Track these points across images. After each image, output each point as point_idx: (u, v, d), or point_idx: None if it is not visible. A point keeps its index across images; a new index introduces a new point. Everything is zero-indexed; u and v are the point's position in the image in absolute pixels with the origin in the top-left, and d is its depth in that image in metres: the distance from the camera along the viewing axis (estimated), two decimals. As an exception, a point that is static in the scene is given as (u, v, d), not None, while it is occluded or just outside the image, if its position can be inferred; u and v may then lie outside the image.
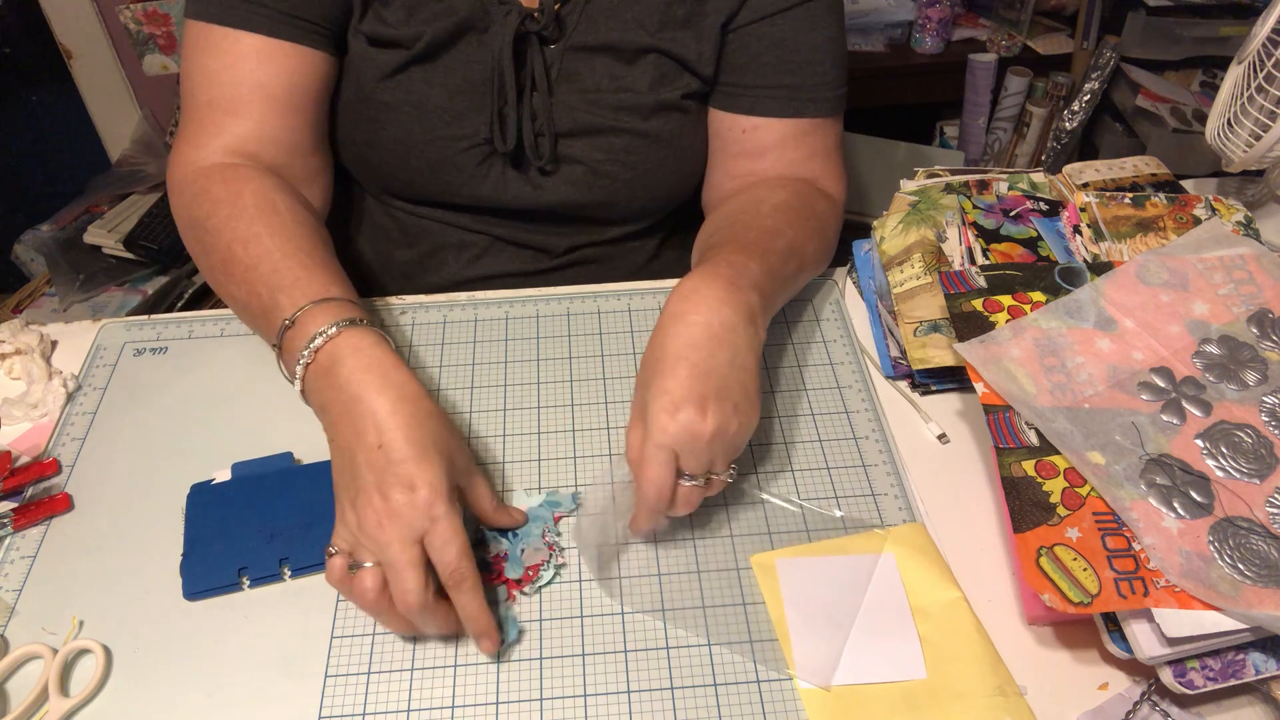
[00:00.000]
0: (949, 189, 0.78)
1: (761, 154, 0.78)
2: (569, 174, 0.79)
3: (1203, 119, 1.64)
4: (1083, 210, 0.76)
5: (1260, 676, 0.52)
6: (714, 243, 0.69)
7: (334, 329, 0.59)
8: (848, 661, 0.55)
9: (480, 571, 0.55)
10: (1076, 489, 0.57)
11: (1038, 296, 0.67)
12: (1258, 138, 0.75)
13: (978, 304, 0.67)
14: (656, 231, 0.89)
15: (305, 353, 0.59)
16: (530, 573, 0.59)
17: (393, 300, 0.80)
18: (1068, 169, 0.81)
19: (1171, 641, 0.51)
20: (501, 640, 0.56)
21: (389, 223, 0.85)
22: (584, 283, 0.82)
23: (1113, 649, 0.53)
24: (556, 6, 0.73)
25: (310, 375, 0.60)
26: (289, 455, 0.66)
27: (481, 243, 0.84)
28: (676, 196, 0.84)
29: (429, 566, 0.53)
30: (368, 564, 0.53)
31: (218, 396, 0.72)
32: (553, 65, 0.75)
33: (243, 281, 0.64)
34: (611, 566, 0.61)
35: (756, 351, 0.60)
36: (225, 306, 0.72)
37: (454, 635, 0.57)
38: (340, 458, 0.57)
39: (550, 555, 0.60)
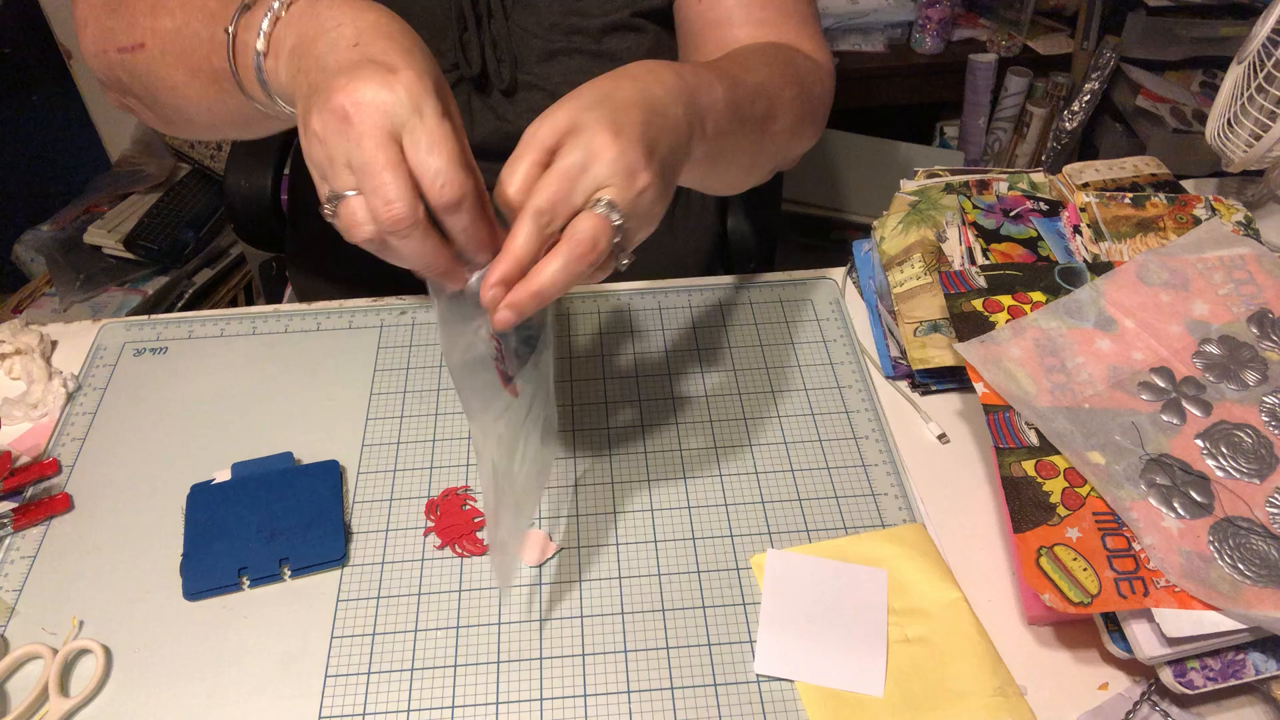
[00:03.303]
0: (949, 189, 0.78)
1: (728, 19, 0.73)
2: (529, 101, 0.79)
3: (1203, 119, 1.64)
4: (1083, 210, 0.76)
5: (1260, 676, 0.52)
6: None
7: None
8: (808, 661, 0.55)
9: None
10: (1076, 489, 0.57)
11: (1038, 296, 0.67)
12: (1258, 138, 0.75)
13: (978, 304, 0.67)
14: None
15: (274, 6, 0.50)
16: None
17: (393, 300, 0.80)
18: (1068, 169, 0.81)
19: (1171, 641, 0.51)
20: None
21: None
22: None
23: (1113, 649, 0.53)
24: None
25: (280, 28, 0.49)
26: (289, 455, 0.66)
27: None
28: None
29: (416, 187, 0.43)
30: (349, 193, 0.43)
31: (218, 396, 0.72)
32: None
33: (179, 9, 0.57)
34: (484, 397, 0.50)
35: (684, 162, 0.52)
36: (224, 306, 0.72)
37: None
38: (307, 80, 0.46)
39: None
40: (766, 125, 0.64)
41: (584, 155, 0.45)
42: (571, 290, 0.80)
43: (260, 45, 0.50)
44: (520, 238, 0.44)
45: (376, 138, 0.41)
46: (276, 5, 0.49)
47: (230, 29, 0.52)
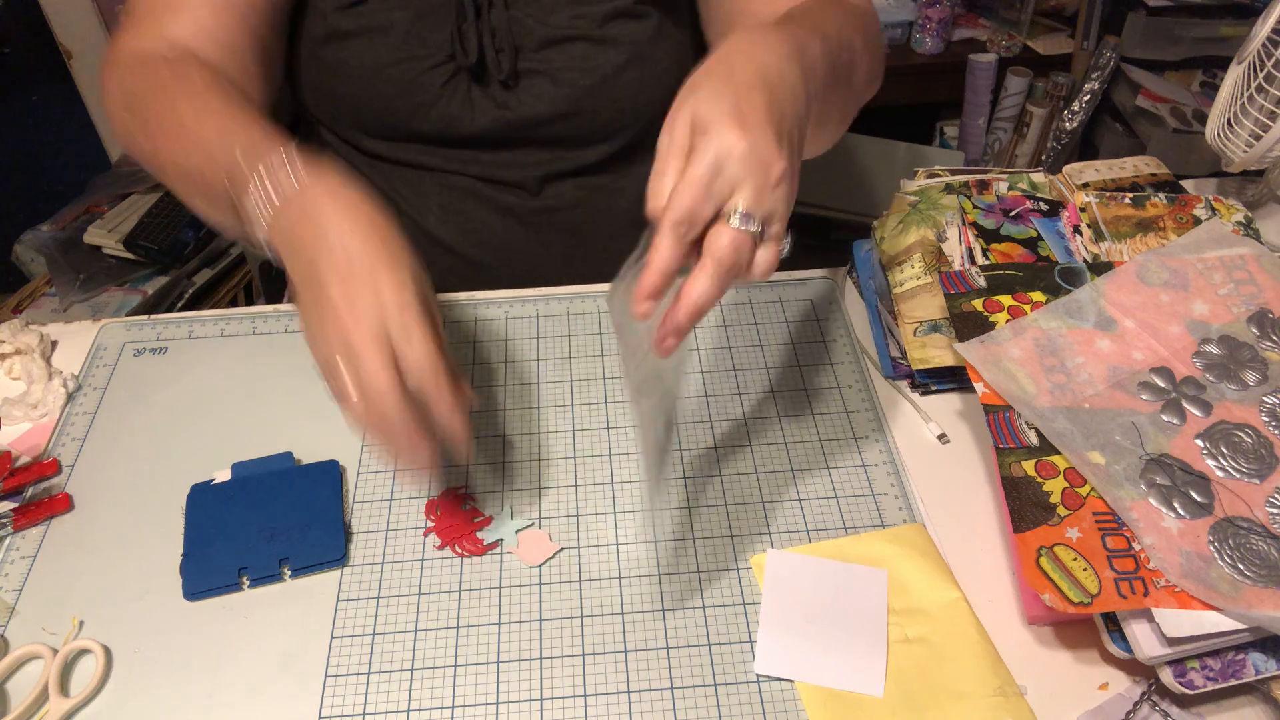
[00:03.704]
0: (949, 189, 0.78)
1: None
2: (530, 87, 0.79)
3: (1203, 119, 1.64)
4: (1083, 210, 0.76)
5: (1260, 676, 0.52)
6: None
7: (307, 172, 0.56)
8: (808, 661, 0.55)
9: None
10: (1076, 489, 0.57)
11: (1038, 296, 0.67)
12: (1258, 138, 0.75)
13: (978, 304, 0.67)
14: (635, 162, 0.87)
15: (276, 189, 0.56)
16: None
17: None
18: (1068, 169, 0.81)
19: (1171, 641, 0.51)
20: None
21: (369, 171, 0.86)
22: (569, 239, 0.83)
23: (1113, 649, 0.53)
24: None
25: (281, 215, 0.56)
26: (289, 455, 0.66)
27: (458, 184, 0.84)
28: (645, 107, 0.83)
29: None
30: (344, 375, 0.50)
31: (218, 396, 0.72)
32: None
33: (195, 149, 0.62)
34: (635, 363, 0.53)
35: (807, 127, 0.52)
36: (224, 306, 0.72)
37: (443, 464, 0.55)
38: (303, 272, 0.53)
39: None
40: (851, 77, 0.63)
41: (715, 158, 0.46)
42: (571, 291, 0.80)
43: (263, 236, 0.57)
44: (662, 250, 0.46)
45: (364, 331, 0.50)
46: (277, 192, 0.56)
47: (236, 194, 0.58)
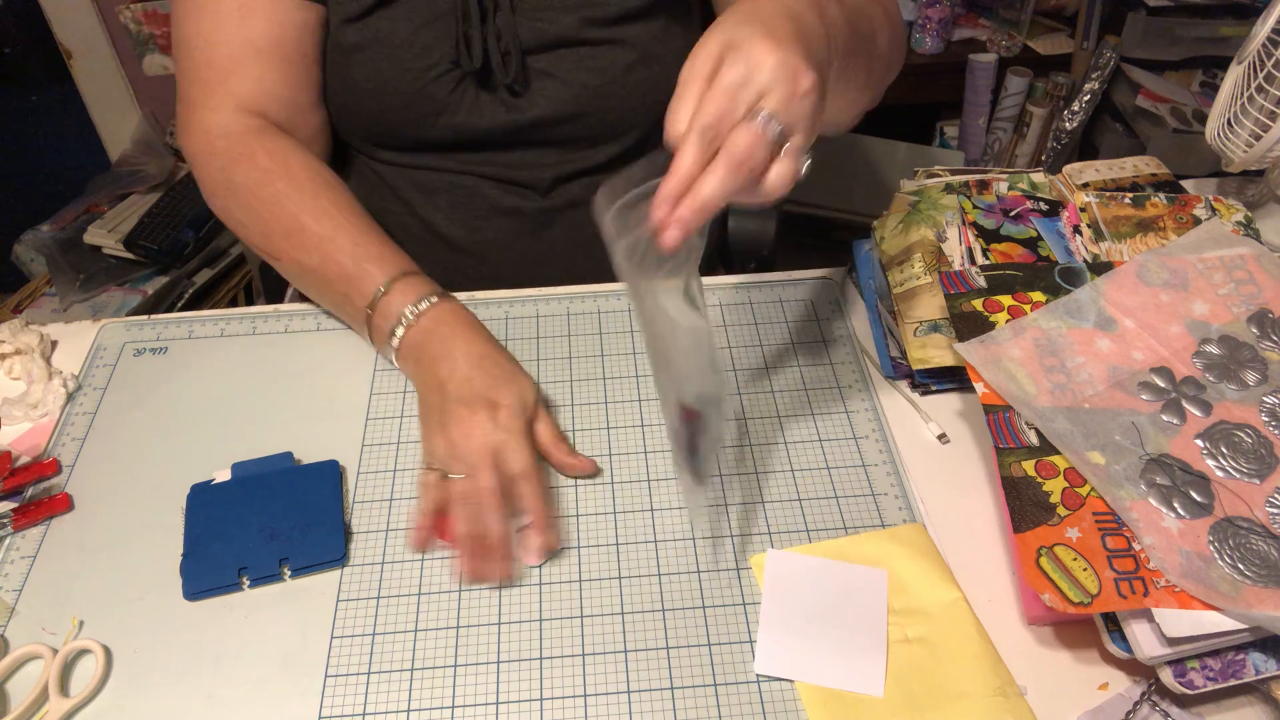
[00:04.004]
0: (949, 189, 0.78)
1: None
2: (541, 89, 0.79)
3: (1203, 119, 1.64)
4: (1083, 210, 0.76)
5: (1260, 676, 0.52)
6: None
7: (435, 298, 0.69)
8: (808, 661, 0.55)
9: None
10: (1076, 489, 0.57)
11: (1038, 296, 0.67)
12: (1258, 138, 0.75)
13: (978, 304, 0.67)
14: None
15: (409, 314, 0.68)
16: None
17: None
18: (1068, 169, 0.81)
19: (1171, 641, 0.51)
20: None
21: (378, 181, 0.86)
22: (575, 236, 0.83)
23: (1113, 649, 0.53)
24: None
25: (411, 334, 0.68)
26: (289, 455, 0.66)
27: (468, 184, 0.84)
28: (655, 107, 0.82)
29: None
30: (455, 476, 0.61)
31: (218, 396, 0.72)
32: None
33: (316, 250, 0.71)
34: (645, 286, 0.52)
35: (830, 70, 0.53)
36: (224, 306, 0.73)
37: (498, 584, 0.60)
38: (431, 396, 0.65)
39: None
40: (873, 44, 0.64)
41: (745, 67, 0.46)
42: (571, 291, 0.80)
43: (395, 344, 0.69)
44: (687, 156, 0.46)
45: (482, 449, 0.61)
46: (410, 314, 0.68)
47: (369, 308, 0.69)
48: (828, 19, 0.53)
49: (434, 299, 0.69)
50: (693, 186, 0.46)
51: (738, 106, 0.46)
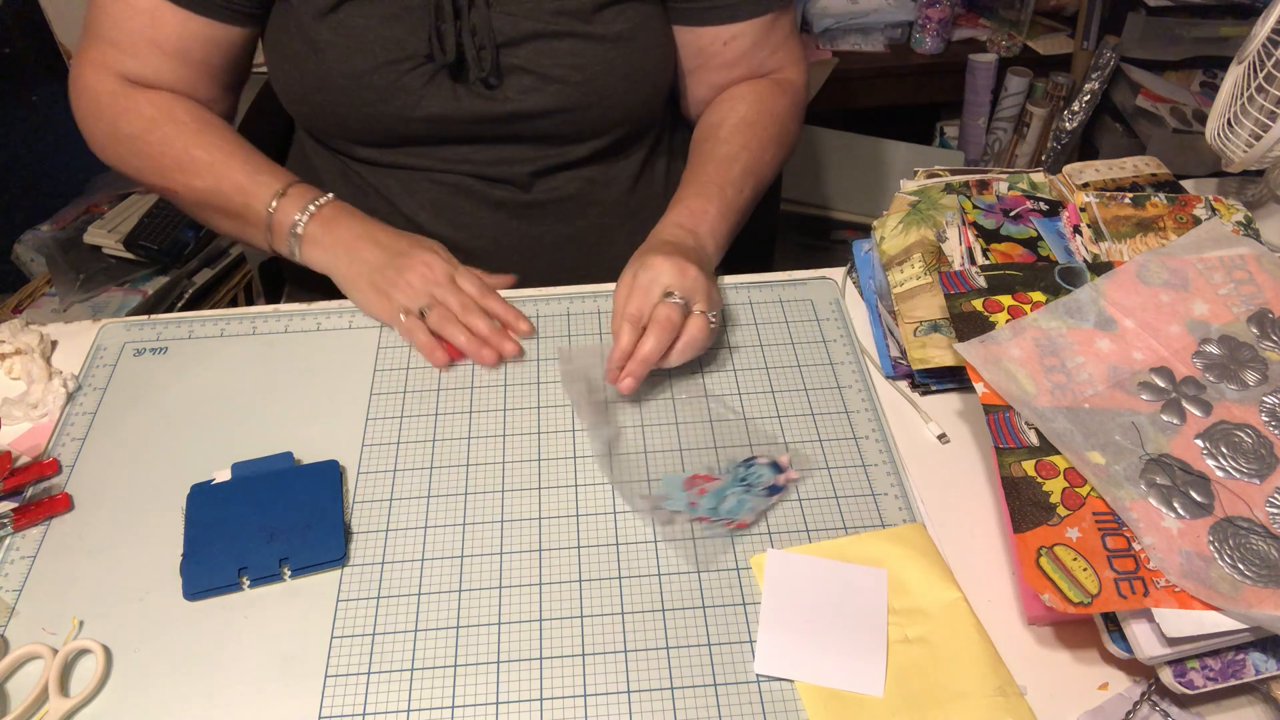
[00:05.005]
0: (949, 189, 0.78)
1: (737, 61, 0.86)
2: (518, 83, 0.79)
3: (1203, 119, 1.64)
4: (1083, 210, 0.76)
5: (1260, 676, 0.52)
6: (684, 178, 0.82)
7: (330, 195, 0.79)
8: (809, 661, 0.55)
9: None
10: (1076, 489, 0.57)
11: (1038, 296, 0.67)
12: (1258, 138, 0.75)
13: (978, 304, 0.67)
14: (624, 154, 0.88)
15: (310, 207, 0.77)
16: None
17: (393, 300, 0.80)
18: (1068, 169, 0.81)
19: (1171, 641, 0.51)
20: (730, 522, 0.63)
21: (361, 182, 0.86)
22: (561, 228, 0.84)
23: (1113, 649, 0.53)
24: None
25: (312, 225, 0.77)
26: (289, 455, 0.66)
27: (449, 181, 0.84)
28: (636, 105, 0.84)
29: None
30: (425, 308, 0.74)
31: (218, 396, 0.72)
32: None
33: (210, 174, 0.78)
34: (599, 415, 0.69)
35: (714, 261, 0.78)
36: (224, 306, 0.73)
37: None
38: (357, 267, 0.76)
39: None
40: (758, 188, 0.84)
41: (651, 274, 0.69)
42: (571, 291, 0.80)
43: (299, 230, 0.77)
44: (624, 336, 0.68)
45: (446, 280, 0.75)
46: (311, 207, 0.77)
47: (270, 208, 0.77)
48: (705, 234, 0.76)
49: (330, 195, 0.78)
50: (637, 347, 0.67)
51: (650, 297, 0.68)
